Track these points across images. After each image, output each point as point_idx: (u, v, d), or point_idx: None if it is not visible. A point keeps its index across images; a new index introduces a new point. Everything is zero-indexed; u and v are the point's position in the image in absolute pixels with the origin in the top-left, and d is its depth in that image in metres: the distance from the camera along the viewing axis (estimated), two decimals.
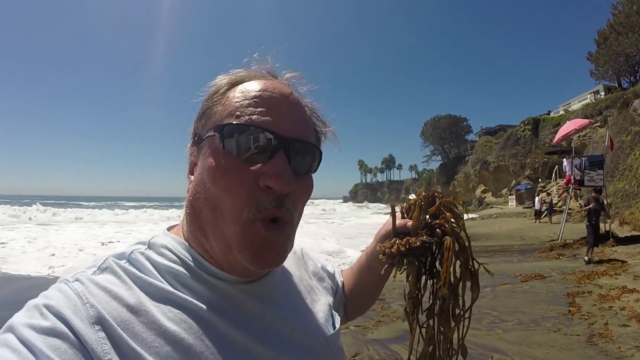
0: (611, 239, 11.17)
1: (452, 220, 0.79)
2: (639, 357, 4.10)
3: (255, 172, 0.61)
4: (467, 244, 0.78)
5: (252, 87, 0.66)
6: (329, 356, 0.75)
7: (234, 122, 0.62)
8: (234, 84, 0.68)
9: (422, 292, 0.80)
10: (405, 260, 0.78)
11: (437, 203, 0.81)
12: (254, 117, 0.62)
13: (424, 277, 0.80)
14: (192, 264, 0.65)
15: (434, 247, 0.79)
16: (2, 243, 14.24)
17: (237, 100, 0.64)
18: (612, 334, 4.72)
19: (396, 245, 0.76)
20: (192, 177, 0.68)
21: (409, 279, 0.80)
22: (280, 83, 0.70)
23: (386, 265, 0.80)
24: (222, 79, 0.70)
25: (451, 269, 0.76)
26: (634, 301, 5.87)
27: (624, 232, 12.79)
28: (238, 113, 0.63)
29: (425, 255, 0.78)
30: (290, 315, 0.73)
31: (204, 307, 0.61)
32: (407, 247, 0.76)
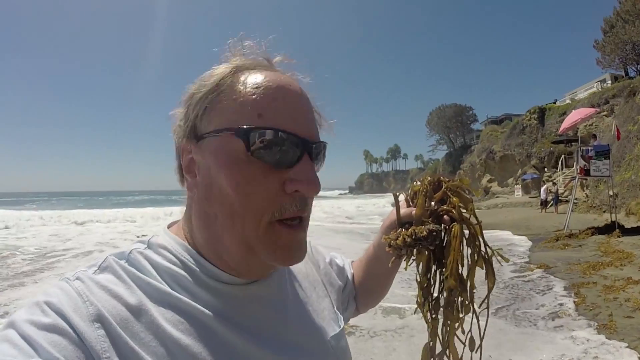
0: (617, 230, 11.12)
1: (460, 205, 0.76)
2: None
3: (281, 177, 0.59)
4: (477, 229, 0.75)
5: (267, 82, 0.61)
6: (332, 357, 0.73)
7: (260, 126, 0.58)
8: (236, 72, 0.62)
9: (433, 282, 0.77)
10: (414, 251, 0.75)
11: (442, 188, 0.78)
12: (279, 119, 0.59)
13: (434, 267, 0.77)
14: (191, 265, 0.64)
15: (443, 235, 0.75)
16: None
17: (254, 96, 0.59)
18: (616, 325, 4.72)
19: (401, 237, 0.73)
20: (196, 178, 0.63)
21: (419, 268, 0.77)
22: (290, 78, 0.66)
23: (394, 257, 0.77)
24: (224, 69, 0.63)
25: (459, 258, 0.73)
26: (639, 293, 5.84)
27: (630, 222, 12.73)
28: (260, 113, 0.59)
29: (434, 244, 0.74)
30: (293, 316, 0.72)
31: (203, 310, 0.61)
32: (413, 237, 0.72)
